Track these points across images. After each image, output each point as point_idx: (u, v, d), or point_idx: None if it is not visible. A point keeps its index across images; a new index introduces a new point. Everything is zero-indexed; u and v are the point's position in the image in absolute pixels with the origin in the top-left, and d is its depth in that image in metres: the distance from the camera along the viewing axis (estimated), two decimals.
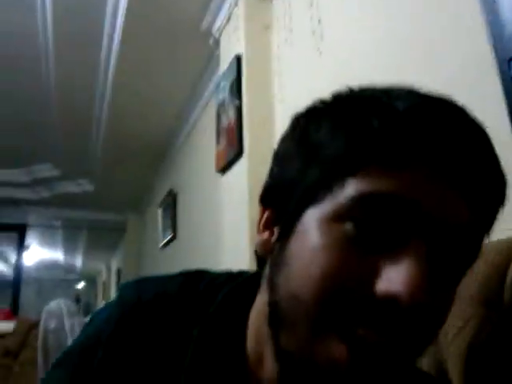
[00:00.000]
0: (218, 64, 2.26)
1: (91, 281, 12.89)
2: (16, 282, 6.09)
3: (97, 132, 3.80)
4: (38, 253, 8.58)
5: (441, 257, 0.34)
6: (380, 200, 0.33)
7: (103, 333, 0.45)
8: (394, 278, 0.32)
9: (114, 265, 8.63)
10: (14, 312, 4.33)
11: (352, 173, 0.35)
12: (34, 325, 2.54)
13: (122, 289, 0.50)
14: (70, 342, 2.68)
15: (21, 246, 6.16)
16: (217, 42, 2.28)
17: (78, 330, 2.71)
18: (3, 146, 4.10)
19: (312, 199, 0.37)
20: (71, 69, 2.91)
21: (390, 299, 0.31)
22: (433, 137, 0.34)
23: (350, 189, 0.34)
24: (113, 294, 8.71)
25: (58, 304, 2.48)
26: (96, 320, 0.49)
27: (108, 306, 0.50)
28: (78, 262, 10.18)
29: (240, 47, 1.94)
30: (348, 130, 0.36)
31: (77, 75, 3.00)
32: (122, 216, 5.90)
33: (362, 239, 0.34)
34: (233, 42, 2.03)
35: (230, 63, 2.00)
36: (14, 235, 6.18)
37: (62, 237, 7.48)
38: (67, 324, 2.60)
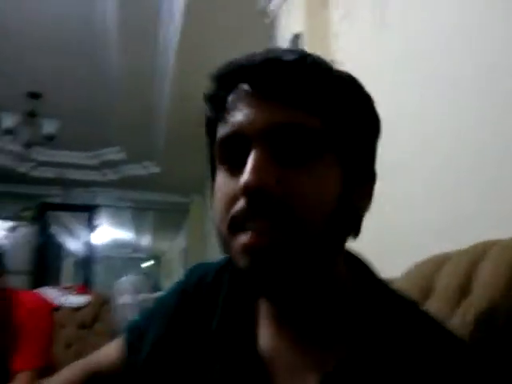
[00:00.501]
0: (275, 44, 2.25)
1: (158, 259, 13.35)
2: (88, 260, 6.44)
3: (161, 115, 3.90)
4: (108, 232, 8.99)
5: (279, 150, 0.46)
6: (224, 142, 0.49)
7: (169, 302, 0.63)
8: (242, 176, 0.45)
9: (179, 244, 8.86)
10: (88, 286, 4.60)
11: (216, 125, 0.51)
12: (106, 299, 2.68)
13: (188, 270, 0.66)
14: (131, 314, 2.82)
15: (91, 226, 6.49)
16: (273, 22, 2.26)
17: (144, 305, 2.85)
18: (75, 131, 4.32)
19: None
20: (135, 51, 2.99)
21: (244, 191, 0.44)
22: (250, 64, 0.48)
23: (217, 137, 0.51)
24: (178, 272, 8.99)
25: (127, 280, 2.62)
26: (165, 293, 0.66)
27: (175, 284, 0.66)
28: (146, 241, 10.56)
29: (298, 25, 1.91)
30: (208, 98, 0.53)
31: (139, 59, 3.09)
32: (187, 197, 6.05)
33: (228, 169, 0.49)
34: (290, 21, 2.00)
35: (289, 42, 1.98)
36: (85, 215, 6.51)
37: (131, 217, 7.79)
38: (136, 299, 2.73)
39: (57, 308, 2.50)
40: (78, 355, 1.18)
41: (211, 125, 0.52)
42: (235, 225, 0.47)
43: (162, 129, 4.13)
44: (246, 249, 0.45)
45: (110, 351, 0.96)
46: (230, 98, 0.49)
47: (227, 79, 0.50)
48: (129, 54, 3.03)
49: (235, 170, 0.47)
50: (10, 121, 3.69)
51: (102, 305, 2.62)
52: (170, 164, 4.93)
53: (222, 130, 0.49)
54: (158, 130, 4.22)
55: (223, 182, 0.49)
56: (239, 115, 0.48)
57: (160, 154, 4.79)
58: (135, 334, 0.72)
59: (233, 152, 0.48)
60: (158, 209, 6.95)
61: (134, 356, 0.71)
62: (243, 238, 0.45)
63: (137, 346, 0.71)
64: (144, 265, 13.55)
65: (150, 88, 3.50)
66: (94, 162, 5.24)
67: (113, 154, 5.06)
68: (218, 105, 0.51)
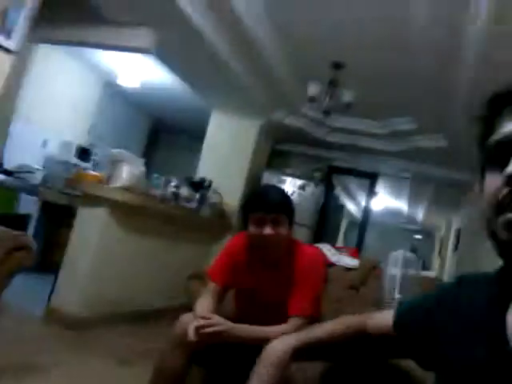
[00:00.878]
0: None
1: (428, 234, 12.94)
2: (363, 224, 6.72)
3: (460, 89, 3.69)
4: (384, 200, 9.15)
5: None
6: (495, 146, 0.69)
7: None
8: (506, 170, 0.65)
9: (455, 223, 8.39)
10: (358, 250, 4.85)
11: (485, 137, 0.74)
12: (375, 265, 2.78)
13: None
14: (398, 287, 2.84)
15: (370, 193, 6.71)
16: None
17: (409, 280, 2.85)
18: (371, 100, 4.47)
19: None
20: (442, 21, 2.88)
21: (507, 181, 0.64)
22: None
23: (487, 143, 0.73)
24: (449, 251, 8.55)
25: (400, 254, 2.67)
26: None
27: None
28: (420, 214, 10.35)
29: None
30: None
31: (444, 28, 2.96)
32: (469, 176, 5.63)
33: (495, 167, 0.69)
34: None
35: None
36: (366, 182, 6.77)
37: (409, 188, 7.72)
38: (405, 273, 2.76)
39: (330, 264, 2.73)
40: (341, 313, 1.28)
41: (481, 136, 0.72)
42: (500, 207, 0.64)
43: (459, 103, 3.91)
44: (509, 224, 0.63)
45: (378, 317, 1.07)
46: (500, 116, 0.68)
47: (498, 102, 0.70)
48: (436, 24, 2.93)
49: (500, 168, 0.65)
50: (314, 89, 4.06)
51: (371, 270, 2.73)
52: (459, 139, 4.64)
53: (492, 138, 0.69)
54: (454, 103, 4.01)
55: (491, 177, 0.67)
56: (507, 127, 0.67)
57: (451, 127, 4.55)
58: (408, 313, 0.89)
59: (498, 154, 0.67)
60: (438, 184, 6.68)
61: (401, 331, 0.86)
62: (507, 217, 0.63)
63: (406, 324, 0.87)
64: (415, 237, 13.34)
65: (453, 59, 3.33)
66: (385, 130, 5.34)
67: (403, 124, 5.05)
68: (488, 122, 0.71)
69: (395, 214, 10.85)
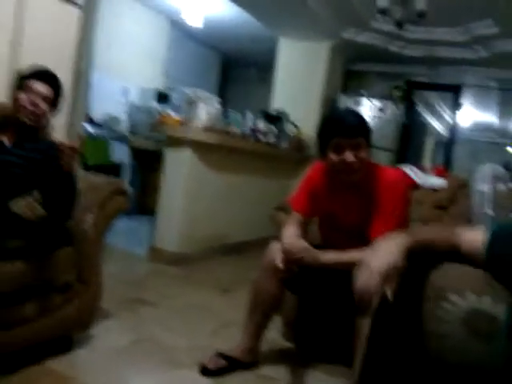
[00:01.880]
0: None
1: None
2: (449, 142, 6.42)
3: None
4: (471, 114, 8.60)
5: None
6: None
7: None
8: None
9: None
10: (446, 169, 4.68)
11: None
12: (464, 183, 2.70)
13: None
14: (488, 204, 2.74)
15: (455, 107, 6.34)
16: None
17: (500, 195, 2.74)
18: (446, 5, 4.13)
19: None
20: None
21: None
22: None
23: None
24: None
25: (488, 168, 2.56)
26: None
27: None
28: None
29: None
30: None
31: None
32: None
33: None
34: None
35: None
36: (449, 95, 6.37)
37: (497, 99, 7.19)
38: (494, 189, 2.65)
39: (416, 186, 2.69)
40: None
41: None
42: None
43: None
44: None
45: (470, 235, 1.09)
46: None
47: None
48: None
49: None
50: (385, 0, 3.82)
51: (459, 188, 2.66)
52: None
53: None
54: None
55: None
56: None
57: None
58: (502, 236, 0.85)
59: None
60: None
61: (493, 254, 0.85)
62: None
63: (500, 248, 0.86)
64: (509, 149, 12.54)
65: None
66: (464, 37, 4.93)
67: (484, 27, 4.62)
68: None
69: (485, 128, 10.19)
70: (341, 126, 1.67)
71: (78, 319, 1.82)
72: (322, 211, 1.91)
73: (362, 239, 1.65)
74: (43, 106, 1.77)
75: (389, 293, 1.12)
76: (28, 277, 1.56)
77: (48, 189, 1.68)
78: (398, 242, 1.13)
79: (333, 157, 1.68)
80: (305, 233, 1.89)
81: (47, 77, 1.81)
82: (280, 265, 1.69)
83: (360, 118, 1.73)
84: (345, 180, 1.75)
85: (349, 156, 1.65)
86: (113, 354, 1.89)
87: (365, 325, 1.49)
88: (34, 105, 1.75)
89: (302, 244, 1.69)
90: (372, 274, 1.09)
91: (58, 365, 1.71)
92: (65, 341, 1.83)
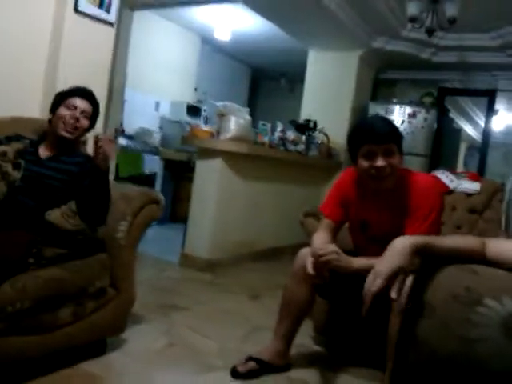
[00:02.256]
0: None
1: None
2: (483, 147, 6.28)
3: None
4: (505, 118, 8.39)
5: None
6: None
7: None
8: None
9: None
10: (480, 174, 4.58)
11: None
12: (498, 188, 2.65)
13: None
14: None
15: (489, 111, 6.20)
16: None
17: None
18: (476, 10, 4.08)
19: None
20: None
21: None
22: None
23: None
24: None
25: None
26: None
27: None
28: None
29: None
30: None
31: None
32: None
33: None
34: None
35: None
36: (484, 100, 6.25)
37: None
38: None
39: (449, 191, 2.65)
40: None
41: None
42: None
43: None
44: None
45: (502, 246, 1.08)
46: None
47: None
48: None
49: None
50: (414, 8, 3.80)
51: (494, 193, 2.60)
52: None
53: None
54: None
55: None
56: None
57: None
58: None
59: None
60: None
61: None
62: None
63: None
64: None
65: None
66: (496, 42, 4.84)
67: None
68: None
69: None
70: (371, 133, 1.68)
71: (111, 324, 1.87)
72: (352, 218, 1.91)
73: None
74: (83, 120, 1.86)
75: (393, 293, 1.14)
76: (63, 283, 1.61)
77: (83, 200, 1.74)
78: (407, 243, 1.15)
79: (364, 163, 1.69)
80: (334, 239, 1.89)
81: (86, 94, 1.91)
82: (311, 271, 1.69)
83: (390, 125, 1.73)
84: (376, 187, 1.75)
85: (380, 162, 1.64)
86: (146, 357, 1.92)
87: (394, 331, 1.48)
88: (75, 119, 1.83)
89: (333, 249, 1.68)
90: (375, 277, 1.13)
91: (92, 368, 1.76)
92: (99, 344, 1.88)
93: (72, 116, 1.83)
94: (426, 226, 1.66)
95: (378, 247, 1.78)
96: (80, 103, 1.86)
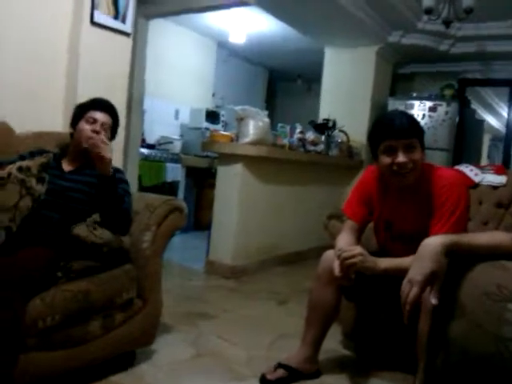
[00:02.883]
0: None
1: None
2: (507, 138, 6.14)
3: None
4: None
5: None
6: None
7: None
8: None
9: None
10: (505, 166, 4.47)
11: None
12: None
13: None
14: None
15: (511, 101, 6.06)
16: None
17: None
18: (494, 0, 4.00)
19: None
20: None
21: None
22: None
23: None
24: None
25: None
26: None
27: None
28: None
29: None
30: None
31: None
32: None
33: None
34: None
35: None
36: (505, 90, 6.11)
37: None
38: None
39: (475, 185, 2.59)
40: None
41: None
42: None
43: None
44: None
45: None
46: None
47: None
48: None
49: None
50: (430, 0, 3.75)
51: None
52: None
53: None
54: None
55: None
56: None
57: None
58: None
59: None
60: None
61: None
62: None
63: None
64: None
65: None
66: None
67: None
68: None
69: None
70: (391, 128, 1.65)
71: (140, 335, 1.88)
72: (376, 216, 1.89)
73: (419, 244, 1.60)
74: (104, 133, 1.88)
75: (433, 300, 1.13)
76: (91, 296, 1.63)
77: (101, 209, 1.77)
78: (437, 244, 1.13)
79: (385, 160, 1.66)
80: (359, 240, 1.87)
81: (106, 106, 1.93)
82: (337, 273, 1.67)
83: (411, 119, 1.70)
84: (398, 183, 1.72)
85: (401, 158, 1.62)
86: (175, 367, 1.93)
87: (424, 331, 1.45)
88: (96, 133, 1.85)
89: (359, 251, 1.65)
90: (411, 285, 1.12)
91: (122, 380, 1.77)
92: (128, 356, 1.89)
93: (93, 130, 1.85)
94: (452, 223, 1.60)
95: (402, 245, 1.77)
96: (100, 116, 1.88)
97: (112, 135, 1.97)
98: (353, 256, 1.62)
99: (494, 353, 1.23)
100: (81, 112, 1.91)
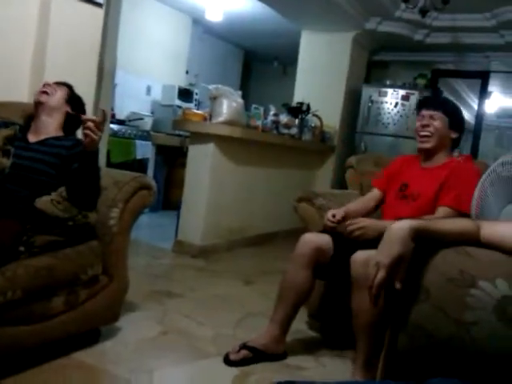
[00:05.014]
0: None
1: None
2: (476, 129, 6.28)
3: None
4: (498, 100, 8.39)
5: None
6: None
7: None
8: None
9: None
10: (474, 157, 4.56)
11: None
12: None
13: None
14: None
15: (482, 94, 6.18)
16: None
17: None
18: None
19: None
20: None
21: None
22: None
23: None
24: None
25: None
26: None
27: None
28: None
29: None
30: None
31: None
32: None
33: None
34: None
35: None
36: (477, 82, 6.22)
37: None
38: None
39: None
40: None
41: None
42: None
43: None
44: None
45: (494, 229, 1.07)
46: None
47: None
48: None
49: None
50: None
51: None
52: None
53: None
54: None
55: None
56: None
57: None
58: None
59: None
60: None
61: None
62: None
63: None
64: None
65: None
66: (491, 23, 4.80)
67: (511, 13, 4.50)
68: None
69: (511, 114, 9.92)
70: (424, 101, 2.18)
71: (105, 312, 1.85)
72: (395, 182, 2.11)
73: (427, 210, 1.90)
74: (54, 86, 1.90)
75: (397, 285, 1.15)
76: (55, 271, 1.59)
77: (73, 183, 1.71)
78: (404, 228, 1.14)
79: (416, 124, 2.06)
80: (374, 209, 2.17)
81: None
82: (328, 223, 1.92)
83: (443, 99, 2.31)
84: (421, 145, 2.03)
85: (425, 121, 2.01)
86: (140, 345, 1.92)
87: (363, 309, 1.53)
88: (46, 85, 1.88)
89: (362, 224, 1.82)
90: (378, 268, 1.13)
91: (86, 357, 1.75)
92: (92, 333, 1.87)
93: (42, 91, 1.87)
94: (463, 192, 1.81)
95: (406, 205, 1.98)
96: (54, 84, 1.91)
97: (72, 106, 1.94)
98: (354, 230, 1.81)
99: (456, 337, 1.27)
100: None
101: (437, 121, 1.99)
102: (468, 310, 1.27)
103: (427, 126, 2.00)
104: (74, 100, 1.93)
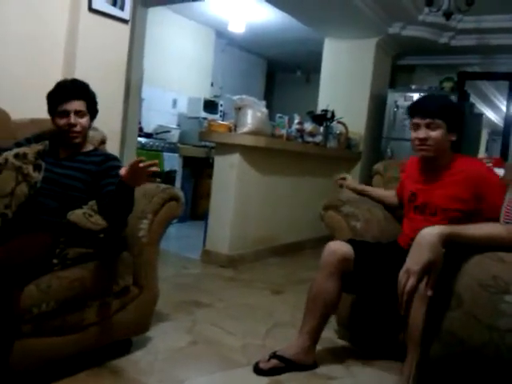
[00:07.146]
0: None
1: None
2: (506, 132, 6.14)
3: None
4: None
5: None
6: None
7: None
8: None
9: None
10: (503, 159, 4.46)
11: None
12: None
13: None
14: None
15: (511, 95, 6.05)
16: None
17: None
18: None
19: None
20: None
21: None
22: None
23: None
24: None
25: None
26: None
27: None
28: None
29: None
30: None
31: None
32: None
33: None
34: None
35: None
36: (505, 84, 6.10)
37: None
38: None
39: None
40: None
41: None
42: None
43: None
44: None
45: None
46: None
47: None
48: None
49: None
50: None
51: None
52: None
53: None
54: None
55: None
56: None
57: None
58: None
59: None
60: None
61: None
62: None
63: None
64: None
65: None
66: None
67: None
68: None
69: None
70: (418, 107, 1.87)
71: (135, 322, 1.88)
72: (407, 190, 2.04)
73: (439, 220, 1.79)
74: (80, 120, 1.81)
75: (429, 292, 1.13)
76: (87, 283, 1.63)
77: (105, 199, 1.73)
78: (434, 234, 1.13)
79: (412, 134, 1.88)
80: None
81: (73, 93, 1.82)
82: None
83: (440, 102, 1.88)
84: (421, 156, 1.91)
85: (421, 134, 1.82)
86: (170, 355, 1.94)
87: (417, 322, 1.45)
88: (72, 125, 1.80)
89: (354, 185, 2.38)
90: (408, 275, 1.12)
91: (118, 366, 1.78)
92: (125, 343, 1.89)
93: (67, 123, 1.80)
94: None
95: (421, 216, 1.91)
96: (70, 106, 1.79)
97: (92, 115, 1.88)
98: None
99: (489, 344, 1.24)
100: (53, 106, 1.83)
101: (435, 131, 1.81)
102: (502, 316, 1.24)
103: (425, 139, 1.81)
104: (90, 105, 1.88)
